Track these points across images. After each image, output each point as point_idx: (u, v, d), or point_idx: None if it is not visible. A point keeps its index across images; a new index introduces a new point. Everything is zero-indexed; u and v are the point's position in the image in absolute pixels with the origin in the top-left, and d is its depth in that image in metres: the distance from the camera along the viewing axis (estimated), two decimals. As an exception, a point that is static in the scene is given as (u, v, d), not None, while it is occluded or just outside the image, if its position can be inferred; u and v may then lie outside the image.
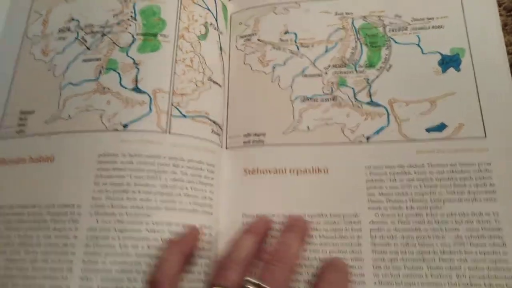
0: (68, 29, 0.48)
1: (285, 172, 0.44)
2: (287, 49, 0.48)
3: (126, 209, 0.39)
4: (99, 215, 0.39)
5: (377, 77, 0.46)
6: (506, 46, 0.45)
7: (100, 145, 0.42)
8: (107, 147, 0.41)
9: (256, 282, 0.35)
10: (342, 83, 0.46)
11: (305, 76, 0.47)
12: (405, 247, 0.40)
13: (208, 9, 0.48)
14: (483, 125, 0.42)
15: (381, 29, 0.47)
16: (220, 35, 0.48)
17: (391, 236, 0.40)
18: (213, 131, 0.44)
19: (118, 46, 0.46)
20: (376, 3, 0.49)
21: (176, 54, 0.45)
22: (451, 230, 0.40)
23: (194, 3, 0.48)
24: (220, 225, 0.43)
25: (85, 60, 0.46)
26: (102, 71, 0.45)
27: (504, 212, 0.39)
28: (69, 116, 0.44)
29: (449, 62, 0.45)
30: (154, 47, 0.45)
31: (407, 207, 0.41)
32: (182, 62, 0.45)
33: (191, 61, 0.45)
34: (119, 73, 0.44)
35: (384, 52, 0.46)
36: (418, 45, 0.46)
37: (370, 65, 0.46)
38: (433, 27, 0.47)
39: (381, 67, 0.46)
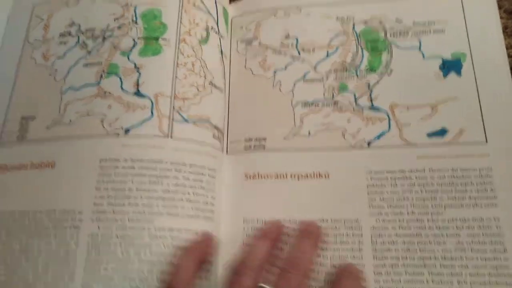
0: (69, 34, 0.47)
1: (286, 177, 0.43)
2: (288, 54, 0.48)
3: (128, 215, 0.39)
4: (100, 221, 0.39)
5: (378, 82, 0.45)
6: (507, 48, 0.45)
7: (101, 150, 0.41)
8: (108, 152, 0.41)
9: None
10: (343, 88, 0.45)
11: (306, 81, 0.46)
12: (406, 253, 0.39)
13: (209, 13, 0.47)
14: (484, 130, 0.42)
15: (382, 33, 0.47)
16: (221, 39, 0.47)
17: (392, 242, 0.39)
18: (214, 135, 0.43)
19: (119, 50, 0.45)
20: (377, 7, 0.48)
21: (178, 58, 0.44)
22: (452, 235, 0.39)
23: (195, 7, 0.47)
24: (221, 230, 0.42)
25: (86, 65, 0.45)
26: (103, 75, 0.44)
27: (505, 217, 0.39)
28: (70, 121, 0.43)
29: (450, 66, 0.44)
30: (156, 51, 0.44)
31: (408, 213, 0.40)
32: (184, 66, 0.44)
33: (193, 65, 0.44)
34: (120, 77, 0.43)
35: (385, 56, 0.46)
36: (419, 49, 0.46)
37: (371, 69, 0.46)
38: (434, 31, 0.46)
39: (382, 72, 0.45)
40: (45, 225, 0.39)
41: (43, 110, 0.44)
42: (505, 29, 0.46)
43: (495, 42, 0.45)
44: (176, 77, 0.43)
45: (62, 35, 0.47)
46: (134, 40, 0.45)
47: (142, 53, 0.44)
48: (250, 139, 0.45)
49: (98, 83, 0.44)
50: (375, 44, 0.47)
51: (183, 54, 0.44)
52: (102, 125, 0.42)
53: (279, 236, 0.40)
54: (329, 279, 0.39)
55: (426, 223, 0.40)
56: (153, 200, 0.39)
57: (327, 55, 0.47)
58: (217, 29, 0.47)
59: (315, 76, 0.47)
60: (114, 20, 0.46)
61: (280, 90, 0.47)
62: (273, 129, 0.45)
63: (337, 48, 0.47)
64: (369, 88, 0.45)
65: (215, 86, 0.45)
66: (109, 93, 0.43)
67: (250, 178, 0.44)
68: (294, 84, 0.47)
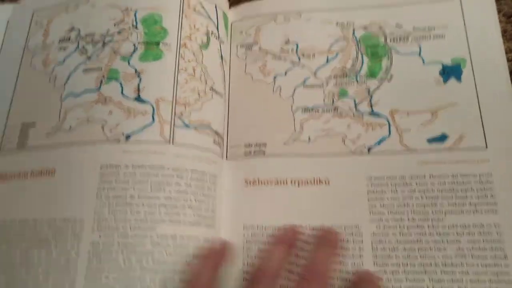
0: (69, 39, 0.46)
1: (286, 183, 0.43)
2: (288, 59, 0.47)
3: (129, 223, 0.38)
4: (101, 230, 0.38)
5: (378, 87, 0.45)
6: (506, 53, 0.44)
7: (102, 156, 0.40)
8: (109, 159, 0.40)
9: None
10: (343, 93, 0.45)
11: (306, 86, 0.46)
12: (407, 259, 0.39)
13: (209, 18, 0.47)
14: (484, 136, 0.41)
15: (382, 39, 0.46)
16: (221, 44, 0.47)
17: (393, 248, 0.39)
18: (215, 141, 0.43)
19: (119, 55, 0.44)
20: (377, 13, 0.48)
21: (178, 63, 0.43)
22: (452, 242, 0.39)
23: (196, 11, 0.46)
24: (221, 237, 0.41)
25: (85, 70, 0.44)
26: (103, 81, 0.43)
27: (505, 223, 0.38)
28: (70, 127, 0.42)
29: (450, 72, 0.44)
30: (156, 55, 0.44)
31: (408, 219, 0.40)
32: (185, 71, 0.43)
33: (194, 70, 0.44)
34: (120, 83, 0.42)
35: (385, 62, 0.45)
36: (419, 55, 0.45)
37: (371, 75, 0.45)
38: (434, 36, 0.46)
39: (382, 78, 0.45)
40: (45, 234, 0.38)
41: (43, 117, 0.43)
42: (504, 33, 0.45)
43: (495, 48, 0.44)
44: (177, 82, 0.42)
45: (61, 40, 0.46)
46: (134, 45, 0.44)
47: (143, 58, 0.44)
48: (250, 145, 0.44)
49: (98, 89, 0.43)
50: (375, 49, 0.46)
51: (184, 59, 0.44)
52: (103, 131, 0.41)
53: (295, 242, 0.39)
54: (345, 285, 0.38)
55: (426, 230, 0.39)
56: (155, 207, 0.38)
57: (327, 61, 0.47)
58: (217, 34, 0.47)
59: (315, 81, 0.46)
60: (114, 25, 0.45)
61: (280, 96, 0.46)
62: (273, 134, 0.45)
63: (337, 54, 0.47)
64: (369, 93, 0.44)
65: (216, 92, 0.44)
66: (110, 99, 0.42)
67: (250, 184, 0.43)
68: (294, 90, 0.46)
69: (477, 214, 0.39)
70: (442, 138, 0.42)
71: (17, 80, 0.47)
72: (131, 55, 0.44)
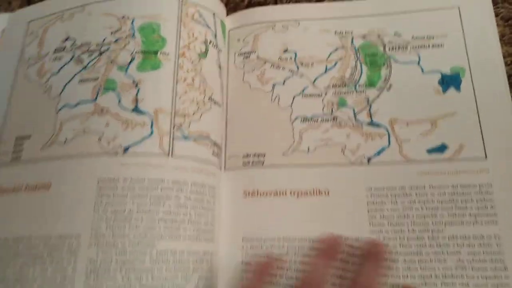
0: (64, 49, 0.44)
1: (286, 194, 0.41)
2: (286, 68, 0.45)
3: (128, 238, 0.36)
4: (99, 246, 0.36)
5: (377, 97, 0.43)
6: (504, 57, 0.43)
7: (99, 170, 0.38)
8: (106, 172, 0.38)
9: None
10: (342, 103, 0.43)
11: (305, 96, 0.44)
12: (407, 271, 0.38)
13: (208, 26, 0.45)
14: (484, 146, 0.40)
15: (380, 48, 0.45)
16: (219, 53, 0.45)
17: (393, 260, 0.38)
18: (213, 152, 0.41)
19: (116, 64, 0.42)
20: (376, 21, 0.46)
21: (177, 73, 0.41)
22: (452, 253, 0.38)
23: (194, 20, 0.44)
24: (219, 249, 0.40)
25: (81, 81, 0.42)
26: (99, 92, 0.41)
27: (505, 235, 0.37)
28: (66, 139, 0.40)
29: (450, 82, 0.42)
30: (155, 65, 0.41)
31: (408, 230, 0.39)
32: (183, 81, 0.41)
33: (193, 80, 0.42)
34: (117, 93, 0.40)
35: (384, 71, 0.44)
36: (418, 64, 0.44)
37: (370, 84, 0.44)
38: (433, 45, 0.44)
39: (381, 87, 0.43)
40: (40, 251, 0.36)
41: (38, 129, 0.41)
42: (502, 36, 0.44)
43: (493, 57, 0.43)
44: (176, 92, 0.41)
45: (56, 50, 0.44)
46: (132, 54, 0.42)
47: (141, 67, 0.41)
48: (248, 155, 0.43)
49: (95, 99, 0.41)
50: (374, 58, 0.45)
51: (182, 69, 0.42)
52: (100, 143, 0.39)
53: (337, 253, 0.38)
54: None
55: (426, 241, 0.38)
56: (154, 222, 0.36)
57: (326, 70, 0.45)
58: (215, 43, 0.45)
59: (314, 91, 0.44)
60: (111, 34, 0.43)
61: (278, 105, 0.44)
62: (271, 144, 0.43)
63: (335, 63, 0.45)
64: (368, 103, 0.43)
65: (214, 102, 0.43)
66: (107, 110, 0.40)
67: (249, 195, 0.41)
68: (293, 99, 0.44)
69: (477, 225, 0.38)
70: (442, 148, 0.41)
71: (11, 91, 0.44)
72: (129, 65, 0.42)
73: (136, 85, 0.41)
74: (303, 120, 0.43)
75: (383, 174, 0.41)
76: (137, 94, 0.40)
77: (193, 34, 0.44)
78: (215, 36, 0.45)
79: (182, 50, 0.42)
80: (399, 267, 0.38)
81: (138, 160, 0.38)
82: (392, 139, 0.42)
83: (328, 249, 0.38)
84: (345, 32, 0.46)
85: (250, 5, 0.51)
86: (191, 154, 0.39)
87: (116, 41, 0.43)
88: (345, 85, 0.44)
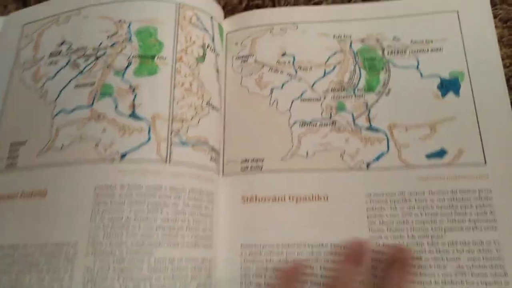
0: (59, 53, 0.43)
1: (284, 199, 0.40)
2: (284, 72, 0.45)
3: (126, 246, 0.35)
4: (96, 254, 0.35)
5: (376, 101, 0.43)
6: (503, 59, 0.43)
7: (96, 176, 0.37)
8: (104, 179, 0.37)
9: None
10: (341, 107, 0.43)
11: (303, 100, 0.43)
12: (407, 277, 0.36)
13: (205, 30, 0.44)
14: (483, 151, 0.40)
15: (379, 52, 0.44)
16: (217, 57, 0.44)
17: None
18: (212, 158, 0.40)
19: (113, 69, 0.41)
20: (375, 25, 0.46)
21: (175, 78, 0.40)
22: (452, 259, 0.37)
23: (191, 23, 0.43)
24: (218, 256, 0.39)
25: (78, 86, 0.41)
26: (96, 97, 0.40)
27: (505, 240, 0.37)
28: (63, 146, 0.39)
29: (449, 86, 0.42)
30: (152, 70, 0.41)
31: (408, 236, 0.38)
32: (181, 86, 0.40)
33: (190, 85, 0.41)
34: (114, 99, 0.39)
35: (382, 75, 0.43)
36: (417, 68, 0.43)
37: (369, 89, 0.43)
38: (432, 50, 0.44)
39: (380, 91, 0.43)
40: (37, 259, 0.35)
41: (34, 135, 0.40)
42: (500, 38, 0.44)
43: (492, 61, 0.43)
44: (173, 97, 0.40)
45: (52, 54, 0.43)
46: (128, 58, 0.41)
47: (138, 72, 0.40)
48: (246, 160, 0.42)
49: (91, 105, 0.40)
50: (372, 62, 0.44)
51: (180, 74, 0.41)
52: (97, 150, 0.38)
53: (364, 259, 0.37)
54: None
55: (426, 247, 0.38)
56: (152, 229, 0.36)
57: (324, 74, 0.44)
58: (213, 46, 0.44)
59: (313, 95, 0.44)
60: (107, 38, 0.42)
61: (277, 109, 0.44)
62: (270, 149, 0.42)
63: (334, 67, 0.44)
64: (367, 107, 0.42)
65: (212, 106, 0.42)
66: (103, 115, 0.39)
67: (247, 201, 0.41)
68: (292, 103, 0.43)
69: (476, 231, 0.37)
70: (441, 153, 0.40)
71: (6, 95, 0.43)
72: (125, 70, 0.41)
73: (133, 90, 0.40)
74: (302, 125, 0.43)
75: (382, 180, 0.40)
76: (134, 100, 0.39)
77: (190, 38, 0.43)
78: (213, 39, 0.44)
79: (180, 54, 0.42)
80: (398, 273, 0.37)
81: (135, 167, 0.37)
82: (391, 144, 0.41)
83: (355, 254, 0.37)
84: (344, 36, 0.46)
85: (248, 7, 0.50)
86: (189, 160, 0.39)
87: (112, 45, 0.42)
88: (343, 89, 0.43)
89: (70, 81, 0.41)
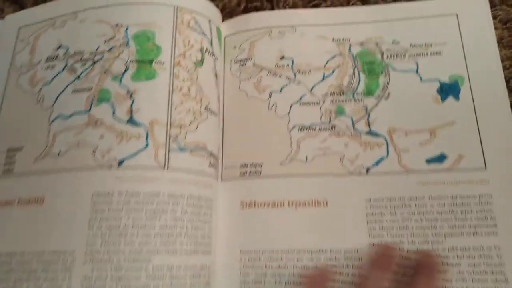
0: (56, 57, 0.42)
1: (283, 205, 0.40)
2: (283, 76, 0.44)
3: (123, 255, 0.34)
4: (94, 262, 0.34)
5: (375, 105, 0.42)
6: (503, 60, 0.42)
7: (93, 183, 0.36)
8: (101, 186, 0.36)
9: None
10: (340, 111, 0.42)
11: (302, 104, 0.43)
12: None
13: (203, 34, 0.43)
14: (483, 156, 0.39)
15: (378, 55, 0.44)
16: (215, 61, 0.43)
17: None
18: (210, 163, 0.39)
19: (110, 74, 0.40)
20: (374, 28, 0.45)
21: (173, 83, 0.40)
22: (452, 265, 0.37)
23: (189, 27, 0.42)
24: (216, 262, 0.38)
25: (75, 91, 0.40)
26: (93, 102, 0.39)
27: (505, 246, 0.37)
28: (60, 152, 0.38)
29: (448, 90, 0.41)
30: (149, 75, 0.40)
31: (408, 242, 0.38)
32: (179, 91, 0.40)
33: (189, 89, 0.40)
34: (112, 104, 0.39)
35: (382, 79, 0.43)
36: (416, 72, 0.42)
37: (368, 93, 0.43)
38: (431, 53, 0.43)
39: (379, 95, 0.42)
40: (34, 267, 0.35)
41: (31, 141, 0.40)
42: (500, 40, 0.44)
43: (492, 66, 0.42)
44: (171, 103, 0.39)
45: (49, 59, 0.42)
46: (126, 63, 0.40)
47: (135, 77, 0.40)
48: (245, 165, 0.42)
49: (89, 110, 0.39)
50: (371, 66, 0.43)
51: (178, 78, 0.40)
52: (94, 156, 0.37)
53: (391, 265, 0.36)
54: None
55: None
56: (150, 237, 0.35)
57: (323, 78, 0.44)
58: (211, 50, 0.43)
59: (312, 99, 0.43)
60: (104, 42, 0.42)
61: (275, 113, 0.43)
62: (269, 154, 0.42)
63: (333, 70, 0.44)
64: (367, 112, 0.42)
65: (211, 111, 0.41)
66: (101, 121, 0.38)
67: (246, 206, 0.40)
68: (290, 107, 0.43)
69: (477, 237, 0.37)
70: (441, 158, 0.40)
71: (2, 100, 0.43)
72: (123, 75, 0.40)
73: (131, 96, 0.39)
74: (301, 129, 0.42)
75: (382, 185, 0.40)
76: (131, 105, 0.39)
77: (188, 42, 0.42)
78: (211, 43, 0.44)
79: (178, 58, 0.41)
80: (398, 279, 0.36)
81: (133, 174, 0.36)
82: (391, 148, 0.41)
83: (383, 260, 0.36)
84: (343, 39, 0.45)
85: (246, 9, 0.49)
86: (188, 166, 0.38)
87: (109, 49, 0.41)
88: (343, 93, 0.43)
89: (67, 86, 0.41)
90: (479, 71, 0.42)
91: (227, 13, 0.49)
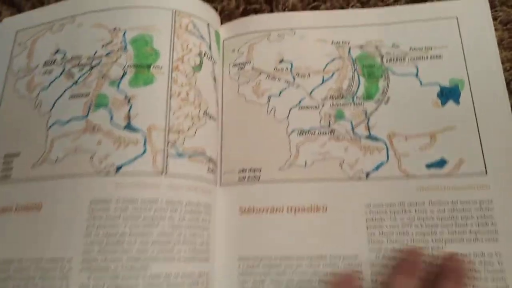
0: (54, 62, 0.41)
1: (282, 210, 0.39)
2: (282, 79, 0.43)
3: (121, 262, 0.34)
4: (91, 270, 0.34)
5: (375, 109, 0.41)
6: (503, 62, 0.42)
7: (91, 190, 0.36)
8: (99, 193, 0.36)
9: None
10: (339, 115, 0.41)
11: (302, 107, 0.42)
12: (407, 290, 0.35)
13: (202, 37, 0.42)
14: (484, 161, 0.39)
15: (378, 59, 0.43)
16: (214, 65, 0.42)
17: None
18: (209, 169, 0.39)
19: (108, 79, 0.39)
20: (374, 32, 0.44)
21: (171, 87, 0.39)
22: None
23: (188, 31, 0.42)
24: (215, 269, 0.38)
25: (72, 96, 0.40)
26: (91, 108, 0.38)
27: (506, 252, 0.36)
28: (58, 158, 0.38)
29: (449, 94, 0.41)
30: (147, 80, 0.39)
31: (408, 248, 0.37)
32: (178, 96, 0.39)
33: (187, 94, 0.39)
34: (110, 110, 0.38)
35: (381, 83, 0.42)
36: (416, 76, 0.42)
37: (368, 97, 0.42)
38: (431, 57, 0.42)
39: (379, 99, 0.42)
40: (31, 275, 0.34)
41: (28, 147, 0.39)
42: (500, 41, 0.43)
43: (493, 69, 0.42)
44: (169, 108, 0.38)
45: (46, 63, 0.42)
46: (124, 68, 0.40)
47: (133, 82, 0.39)
48: (244, 170, 0.41)
49: (86, 116, 0.38)
50: (371, 69, 0.43)
51: (176, 83, 0.39)
52: (92, 163, 0.37)
53: (419, 270, 0.34)
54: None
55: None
56: (147, 244, 0.34)
57: (323, 81, 0.43)
58: (210, 54, 0.43)
59: (311, 102, 0.42)
60: (102, 47, 0.41)
61: (274, 117, 0.42)
62: (267, 159, 0.41)
63: (333, 74, 0.43)
64: (366, 116, 0.41)
65: (209, 116, 0.40)
66: (99, 127, 0.38)
67: (245, 212, 0.40)
68: (289, 111, 0.42)
69: (477, 243, 0.37)
70: (441, 163, 0.39)
71: (0, 105, 0.42)
72: (121, 80, 0.39)
73: (129, 101, 0.38)
74: (300, 133, 0.42)
75: (382, 190, 0.39)
76: (129, 111, 0.38)
77: (187, 46, 0.41)
78: (210, 47, 0.43)
79: (176, 63, 0.40)
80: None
81: (131, 180, 0.36)
82: (391, 153, 0.40)
83: (409, 265, 0.35)
84: (342, 42, 0.45)
85: (245, 11, 0.48)
86: (186, 172, 0.38)
87: (107, 54, 0.41)
88: (342, 97, 0.42)
89: (64, 91, 0.40)
90: (480, 75, 0.42)
91: (226, 16, 0.48)
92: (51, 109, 0.40)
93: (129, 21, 0.42)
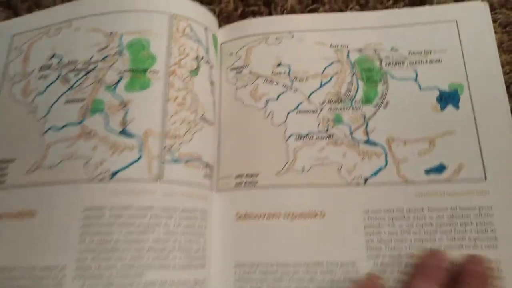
0: (50, 67, 0.41)
1: (280, 216, 0.39)
2: (280, 83, 0.43)
3: (115, 270, 0.33)
4: (85, 278, 0.33)
5: (374, 114, 0.41)
6: (503, 66, 0.41)
7: (86, 197, 0.35)
8: (93, 199, 0.35)
9: None
10: (338, 120, 0.41)
11: (300, 112, 0.41)
12: (405, 297, 0.35)
13: (199, 41, 0.42)
14: (483, 166, 0.38)
15: (377, 62, 0.42)
16: (211, 68, 0.42)
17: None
18: (205, 175, 0.38)
19: (104, 84, 0.39)
20: (372, 35, 0.44)
21: (168, 92, 0.38)
22: (452, 279, 0.35)
23: (185, 35, 0.41)
24: (210, 276, 0.37)
25: (68, 101, 0.39)
26: (87, 113, 0.38)
27: (506, 259, 0.35)
28: (53, 164, 0.37)
29: (448, 99, 0.40)
30: (144, 84, 0.39)
31: (406, 255, 0.37)
32: (174, 101, 0.38)
33: (184, 99, 0.39)
34: (105, 115, 0.37)
35: (380, 87, 0.41)
36: (415, 80, 0.41)
37: (367, 101, 0.41)
38: (430, 61, 0.41)
39: (377, 104, 0.41)
40: (24, 284, 0.34)
41: (23, 152, 0.38)
42: (500, 44, 0.42)
43: (493, 74, 0.41)
44: (166, 113, 0.38)
45: (42, 68, 0.41)
46: (119, 73, 0.39)
47: (129, 87, 0.39)
48: (241, 175, 0.40)
49: (82, 121, 0.38)
50: (370, 73, 0.42)
51: (173, 87, 0.39)
52: (87, 169, 0.36)
53: (441, 276, 0.33)
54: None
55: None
56: (142, 251, 0.34)
57: (321, 85, 0.42)
58: (207, 58, 0.42)
59: (309, 107, 0.42)
60: (98, 51, 0.40)
61: (272, 122, 0.42)
62: (265, 164, 0.41)
63: (331, 78, 0.42)
64: (365, 120, 0.41)
65: (206, 121, 0.40)
66: (94, 132, 0.37)
67: (241, 217, 0.39)
68: (287, 115, 0.42)
69: (477, 249, 0.36)
70: (440, 168, 0.38)
71: (-5, 111, 0.41)
72: (116, 85, 0.39)
73: (124, 106, 0.38)
74: (298, 138, 0.41)
75: (381, 196, 0.39)
76: (125, 116, 0.37)
77: (184, 50, 0.41)
78: (207, 51, 0.42)
79: (173, 67, 0.40)
80: (396, 293, 0.35)
81: (125, 187, 0.35)
82: (389, 158, 0.39)
83: (431, 269, 0.34)
84: (341, 45, 0.44)
85: (243, 13, 0.48)
86: (182, 178, 0.37)
87: (103, 59, 0.40)
88: (341, 101, 0.42)
89: (60, 96, 0.39)
90: (479, 79, 0.41)
91: (224, 18, 0.47)
92: (46, 115, 0.39)
93: (126, 26, 0.41)
